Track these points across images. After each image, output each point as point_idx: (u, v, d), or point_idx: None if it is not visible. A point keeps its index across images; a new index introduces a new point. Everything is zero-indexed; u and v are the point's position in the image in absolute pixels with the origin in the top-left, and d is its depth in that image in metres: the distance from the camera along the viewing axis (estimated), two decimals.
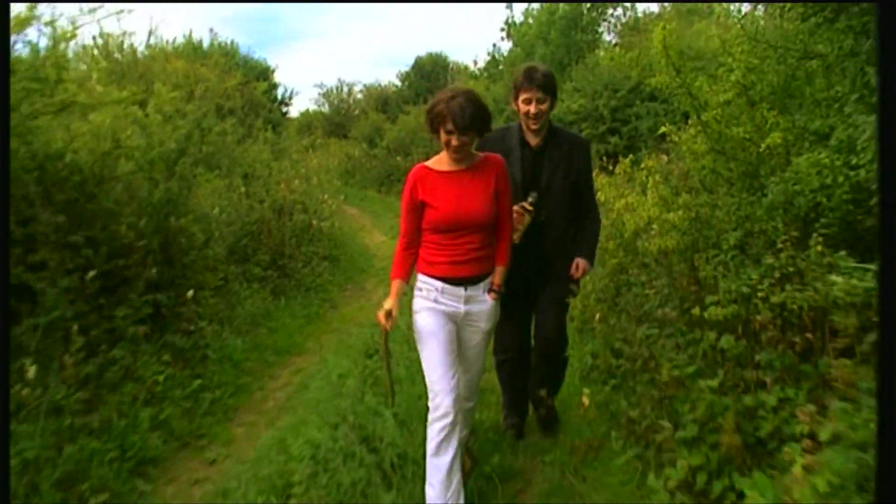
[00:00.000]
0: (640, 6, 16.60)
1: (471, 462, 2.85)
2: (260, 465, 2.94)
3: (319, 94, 29.96)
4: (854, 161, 2.30)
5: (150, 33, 13.82)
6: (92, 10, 4.13)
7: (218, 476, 3.25)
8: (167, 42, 14.77)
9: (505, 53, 20.26)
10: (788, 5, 3.54)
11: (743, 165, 3.42)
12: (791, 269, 2.19)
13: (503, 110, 14.34)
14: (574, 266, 2.99)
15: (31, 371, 2.88)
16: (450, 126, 2.43)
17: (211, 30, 20.18)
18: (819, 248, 2.12)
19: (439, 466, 2.42)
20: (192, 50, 16.64)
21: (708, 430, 2.34)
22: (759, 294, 2.29)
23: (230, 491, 2.81)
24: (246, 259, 6.27)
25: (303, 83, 51.94)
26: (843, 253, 2.02)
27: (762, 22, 4.09)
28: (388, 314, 2.47)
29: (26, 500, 2.62)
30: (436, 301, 2.57)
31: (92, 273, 3.65)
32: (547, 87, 2.89)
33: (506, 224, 2.70)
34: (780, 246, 2.31)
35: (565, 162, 2.99)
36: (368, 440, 2.93)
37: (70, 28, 4.19)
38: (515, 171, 2.94)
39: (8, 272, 3.07)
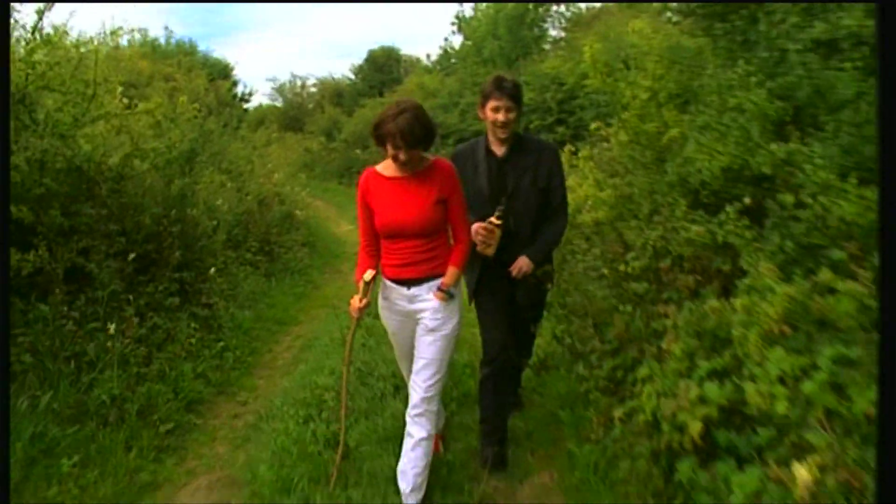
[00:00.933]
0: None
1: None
2: (294, 393, 3.78)
3: (272, 88, 30.23)
4: (719, 148, 3.28)
5: (113, 34, 14.16)
6: (114, 31, 4.83)
7: (251, 412, 4.08)
8: (127, 42, 15.12)
9: (457, 47, 21.14)
10: (686, 26, 4.56)
11: (654, 153, 4.41)
12: (668, 225, 3.18)
13: (457, 103, 15.18)
14: (516, 266, 2.98)
15: (111, 328, 3.67)
16: (399, 142, 2.48)
17: (166, 27, 20.49)
18: (684, 208, 3.11)
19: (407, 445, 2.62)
20: (151, 49, 16.98)
21: (624, 343, 3.31)
22: (650, 243, 3.28)
23: (274, 408, 3.65)
24: (238, 245, 7.03)
25: (253, 76, 51.67)
26: (700, 212, 3.01)
27: (676, 38, 5.07)
28: (359, 307, 2.69)
29: (117, 424, 3.43)
30: (386, 299, 2.77)
31: (132, 256, 4.41)
32: (515, 96, 2.92)
33: (459, 227, 2.73)
34: (661, 210, 3.30)
35: (532, 168, 2.99)
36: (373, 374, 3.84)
37: (93, 46, 4.89)
38: (482, 182, 2.98)
39: (8, 270, 3.31)
